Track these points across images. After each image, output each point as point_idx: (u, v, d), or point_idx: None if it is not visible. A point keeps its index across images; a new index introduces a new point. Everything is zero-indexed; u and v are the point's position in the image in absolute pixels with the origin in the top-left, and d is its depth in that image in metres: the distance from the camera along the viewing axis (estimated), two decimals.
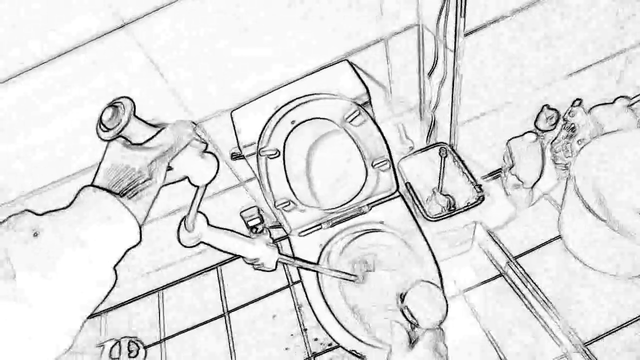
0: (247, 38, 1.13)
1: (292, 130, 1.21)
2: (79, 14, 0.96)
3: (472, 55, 1.18)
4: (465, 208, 1.27)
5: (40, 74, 1.04)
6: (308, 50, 1.22)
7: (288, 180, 1.28)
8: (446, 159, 1.43)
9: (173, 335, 1.81)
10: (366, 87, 1.22)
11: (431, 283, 0.84)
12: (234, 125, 1.29)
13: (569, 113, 1.38)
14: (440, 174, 1.45)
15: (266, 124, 1.20)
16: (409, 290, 0.84)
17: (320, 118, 1.20)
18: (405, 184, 1.39)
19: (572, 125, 1.38)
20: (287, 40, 1.18)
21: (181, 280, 1.97)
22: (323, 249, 1.39)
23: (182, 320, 1.85)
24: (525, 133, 1.35)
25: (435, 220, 1.29)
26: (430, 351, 0.70)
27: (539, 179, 1.37)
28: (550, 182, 1.47)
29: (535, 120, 1.40)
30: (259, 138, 1.21)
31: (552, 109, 1.36)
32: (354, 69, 1.26)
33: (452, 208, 1.39)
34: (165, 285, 1.97)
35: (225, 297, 1.86)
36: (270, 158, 1.24)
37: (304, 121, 1.21)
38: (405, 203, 1.41)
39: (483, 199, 1.26)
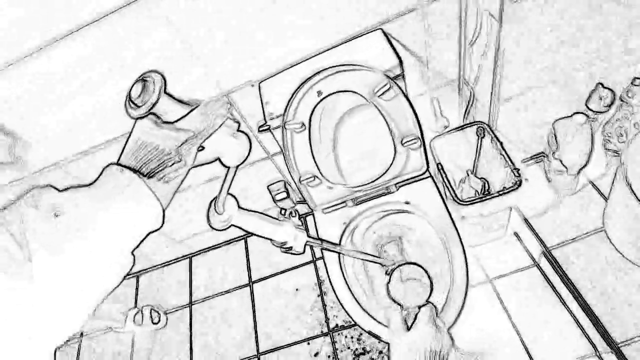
0: (276, 5, 1.08)
1: (318, 103, 1.17)
2: None
3: (518, 24, 1.07)
4: (500, 193, 1.19)
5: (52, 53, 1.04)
6: (341, 17, 1.15)
7: (313, 156, 1.25)
8: (483, 140, 1.34)
9: (200, 301, 1.87)
10: (400, 59, 1.15)
11: (413, 263, 0.84)
12: (261, 97, 1.26)
13: (628, 93, 1.24)
14: (476, 155, 1.37)
15: (292, 95, 1.16)
16: (394, 269, 0.85)
17: (348, 91, 1.14)
18: (437, 165, 1.32)
19: (630, 107, 1.24)
20: (319, 8, 1.11)
21: (210, 249, 2.02)
22: (346, 227, 1.36)
23: (209, 286, 1.90)
24: (575, 114, 1.23)
25: (467, 204, 1.22)
26: (430, 326, 0.72)
27: (585, 165, 1.25)
28: (598, 168, 1.35)
29: (587, 100, 1.27)
30: (285, 110, 1.18)
31: (608, 88, 1.23)
32: (387, 38, 1.18)
33: (487, 192, 1.31)
34: (195, 252, 2.03)
35: (250, 267, 1.89)
36: (296, 132, 1.21)
37: (331, 94, 1.16)
38: (436, 185, 1.34)
39: (520, 183, 1.17)
